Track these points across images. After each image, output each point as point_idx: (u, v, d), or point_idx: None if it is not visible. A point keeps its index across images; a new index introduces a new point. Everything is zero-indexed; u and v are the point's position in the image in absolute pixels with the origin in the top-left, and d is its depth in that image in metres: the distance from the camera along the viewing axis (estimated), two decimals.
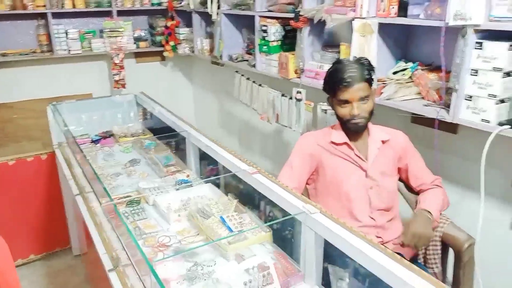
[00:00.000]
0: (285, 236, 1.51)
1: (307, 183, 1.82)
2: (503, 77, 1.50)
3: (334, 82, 1.63)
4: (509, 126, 1.52)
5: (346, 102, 1.62)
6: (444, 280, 1.72)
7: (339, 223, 1.21)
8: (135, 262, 1.34)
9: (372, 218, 1.68)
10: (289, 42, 2.61)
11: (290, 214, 1.33)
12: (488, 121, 1.57)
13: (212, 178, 1.98)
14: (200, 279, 1.37)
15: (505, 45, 1.47)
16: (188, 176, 2.09)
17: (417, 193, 1.79)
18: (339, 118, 1.69)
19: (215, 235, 1.52)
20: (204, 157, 2.11)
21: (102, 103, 3.06)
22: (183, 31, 3.76)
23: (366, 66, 1.63)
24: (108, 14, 3.71)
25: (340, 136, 1.72)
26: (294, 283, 1.34)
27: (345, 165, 1.71)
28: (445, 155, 2.04)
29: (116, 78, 3.78)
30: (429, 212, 1.60)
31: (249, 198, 1.75)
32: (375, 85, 1.77)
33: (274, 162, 3.40)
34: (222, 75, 3.78)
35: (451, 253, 1.67)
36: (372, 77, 1.65)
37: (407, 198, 1.84)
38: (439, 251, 1.68)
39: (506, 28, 1.45)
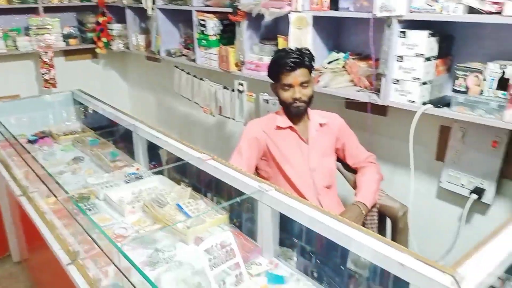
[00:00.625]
0: (241, 216, 1.59)
1: (258, 169, 1.92)
2: (424, 62, 1.70)
3: (279, 67, 1.75)
4: (431, 105, 1.73)
5: (289, 86, 1.75)
6: None
7: (293, 197, 1.32)
8: (98, 253, 1.35)
9: (318, 199, 1.81)
10: (228, 35, 2.69)
11: (246, 194, 1.42)
12: (413, 102, 1.77)
13: (163, 168, 2.00)
14: (162, 263, 1.41)
15: (424, 33, 1.67)
16: (138, 169, 2.09)
17: (354, 170, 1.95)
18: (282, 102, 1.81)
19: (173, 222, 1.56)
20: (153, 149, 2.12)
21: (34, 103, 2.91)
22: (116, 27, 3.68)
23: (307, 55, 1.78)
24: (33, 11, 3.52)
25: (284, 120, 1.84)
26: (253, 257, 1.43)
27: (290, 148, 1.83)
28: (377, 136, 2.24)
29: (46, 77, 3.60)
30: (364, 204, 1.73)
31: (202, 185, 1.81)
32: (313, 74, 1.91)
33: (218, 155, 3.46)
34: (159, 71, 3.77)
35: (388, 223, 1.87)
36: (313, 65, 1.79)
37: (346, 176, 2.00)
38: (376, 221, 1.85)
39: (425, 18, 1.65)
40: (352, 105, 2.20)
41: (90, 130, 2.68)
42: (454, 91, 1.63)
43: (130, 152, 2.26)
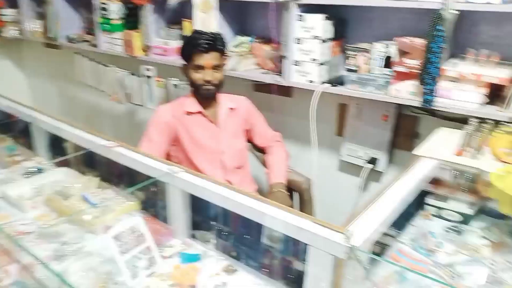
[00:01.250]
0: (153, 201, 1.59)
1: (169, 155, 1.91)
2: (321, 44, 1.82)
3: (192, 47, 1.76)
4: (329, 85, 1.86)
5: (201, 68, 1.76)
6: None
7: (202, 177, 1.35)
8: None
9: (228, 180, 1.86)
10: (132, 20, 2.60)
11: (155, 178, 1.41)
12: (313, 82, 1.89)
13: (64, 158, 1.90)
14: (70, 256, 1.36)
15: (320, 16, 1.78)
16: (39, 163, 1.97)
17: (262, 150, 2.04)
18: (192, 84, 1.82)
19: (79, 213, 1.51)
20: (56, 142, 2.00)
21: None
22: (8, 12, 3.36)
23: (220, 39, 1.80)
24: None
25: (193, 105, 1.85)
26: (166, 240, 1.44)
27: (200, 133, 1.85)
28: (284, 116, 2.35)
29: None
30: (281, 183, 1.83)
31: (112, 174, 1.76)
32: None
33: (132, 143, 3.35)
34: (60, 58, 3.53)
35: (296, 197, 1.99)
36: (225, 50, 1.83)
37: (257, 155, 2.08)
38: None
39: (320, 2, 1.76)
40: (260, 87, 2.28)
41: None
42: (347, 70, 1.77)
43: (30, 146, 2.11)
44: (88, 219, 1.49)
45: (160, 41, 2.42)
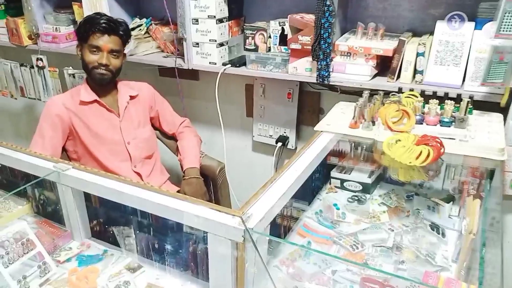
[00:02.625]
0: (44, 202, 1.46)
1: (67, 151, 1.77)
2: (217, 24, 1.77)
3: (91, 25, 1.63)
4: (229, 65, 1.83)
5: (97, 49, 1.64)
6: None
7: (93, 172, 1.25)
8: None
9: (136, 172, 1.77)
10: (15, 5, 2.35)
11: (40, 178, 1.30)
12: (214, 63, 1.84)
13: None
14: None
15: None
16: None
17: (172, 137, 1.97)
18: (85, 68, 1.69)
19: None
20: None
21: None
22: None
23: (123, 26, 1.69)
24: None
25: (88, 94, 1.72)
26: (63, 243, 1.34)
27: (99, 124, 1.73)
28: (193, 100, 2.29)
29: None
30: (195, 168, 1.78)
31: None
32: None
33: None
34: None
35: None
36: (127, 39, 1.72)
37: (167, 143, 2.00)
38: None
39: None
40: (165, 72, 2.18)
41: None
42: (246, 49, 1.75)
43: None
44: None
45: (49, 27, 2.22)
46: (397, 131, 1.36)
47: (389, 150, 1.26)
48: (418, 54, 1.52)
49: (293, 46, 1.62)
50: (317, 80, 1.62)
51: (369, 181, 1.48)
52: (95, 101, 1.73)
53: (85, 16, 1.72)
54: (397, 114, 1.39)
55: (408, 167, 1.23)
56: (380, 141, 1.36)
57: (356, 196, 1.48)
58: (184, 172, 1.79)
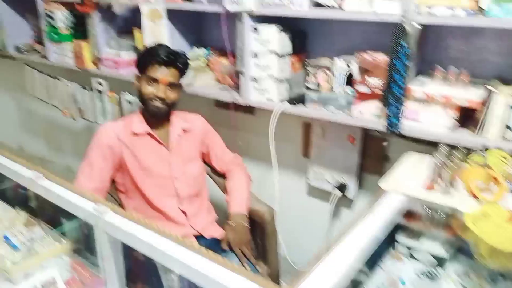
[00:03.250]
0: (84, 244, 1.39)
1: (115, 182, 1.71)
2: (279, 59, 1.64)
3: (150, 56, 1.59)
4: (288, 103, 1.69)
5: (155, 81, 1.59)
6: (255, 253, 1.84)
7: (133, 220, 1.15)
8: None
9: (182, 210, 1.67)
10: (83, 29, 2.39)
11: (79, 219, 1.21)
12: (272, 100, 1.71)
13: None
14: None
15: (274, 28, 1.60)
16: None
17: (222, 175, 1.86)
18: (141, 99, 1.63)
19: None
20: None
21: None
22: None
23: (183, 58, 1.64)
24: None
25: (142, 125, 1.66)
26: None
27: (148, 157, 1.65)
28: (246, 134, 2.17)
29: None
30: (243, 214, 1.64)
31: (41, 209, 1.55)
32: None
33: None
34: (14, 69, 3.28)
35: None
36: (185, 71, 1.66)
37: (216, 181, 1.89)
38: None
39: (273, 13, 1.58)
40: (222, 103, 2.09)
41: None
42: (307, 88, 1.60)
43: None
44: (6, 266, 1.28)
45: (111, 52, 2.22)
46: (484, 200, 1.13)
47: (474, 226, 1.04)
48: (509, 107, 1.29)
49: (360, 88, 1.45)
50: (387, 130, 1.43)
51: (445, 255, 1.25)
52: (147, 133, 1.66)
53: (145, 43, 1.67)
54: (484, 179, 1.17)
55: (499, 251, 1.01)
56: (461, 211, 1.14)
57: (428, 271, 1.25)
58: (229, 216, 1.66)
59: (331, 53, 1.68)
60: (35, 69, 2.64)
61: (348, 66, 1.51)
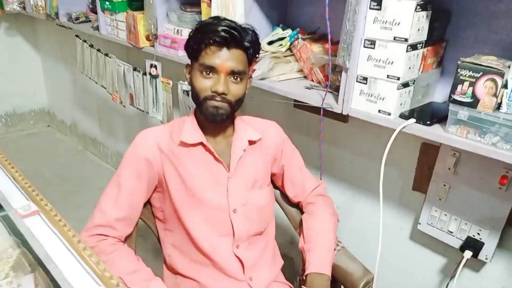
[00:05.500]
0: None
1: (152, 205, 1.25)
2: (408, 51, 1.06)
3: (203, 35, 1.06)
4: (414, 120, 1.11)
5: (212, 71, 1.07)
6: None
7: None
8: None
9: (237, 256, 1.18)
10: None
11: None
12: (388, 113, 1.14)
13: None
14: None
15: (411, 3, 1.02)
16: None
17: (297, 204, 1.34)
18: (195, 96, 1.13)
19: None
20: None
21: None
22: None
23: (250, 34, 1.10)
24: None
25: (194, 133, 1.17)
26: None
27: (198, 177, 1.17)
28: (333, 147, 1.62)
29: None
30: (325, 275, 1.13)
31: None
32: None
33: None
34: (70, 40, 2.96)
35: None
36: (255, 54, 1.13)
37: (286, 211, 1.38)
38: None
39: None
40: (304, 104, 1.55)
41: None
42: (454, 101, 1.01)
43: None
44: None
45: (170, 28, 1.75)
46: None
47: None
48: None
49: None
50: None
51: None
52: (200, 143, 1.17)
53: (203, 20, 1.16)
54: None
55: None
56: None
57: None
58: (305, 276, 1.14)
59: (487, 46, 1.08)
60: (86, 42, 2.26)
61: None
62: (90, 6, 2.33)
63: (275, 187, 1.36)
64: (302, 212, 1.31)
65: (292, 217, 1.36)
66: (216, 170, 1.18)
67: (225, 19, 1.10)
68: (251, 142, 1.22)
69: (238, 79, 1.09)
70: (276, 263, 1.30)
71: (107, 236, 1.12)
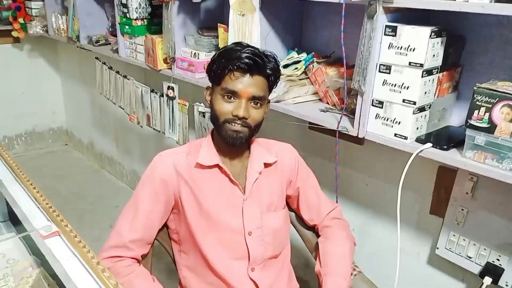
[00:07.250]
0: None
1: (168, 227, 1.26)
2: (424, 77, 1.07)
3: (226, 61, 1.09)
4: (430, 145, 1.11)
5: (233, 95, 1.10)
6: None
7: None
8: None
9: (252, 280, 1.18)
10: (158, 21, 2.00)
11: None
12: (404, 137, 1.14)
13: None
14: None
15: (426, 30, 1.03)
16: None
17: (312, 227, 1.34)
18: (214, 118, 1.15)
19: None
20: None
21: None
22: (35, 5, 2.93)
23: (272, 61, 1.13)
24: None
25: (210, 156, 1.18)
26: None
27: (214, 200, 1.18)
28: (349, 169, 1.62)
29: None
30: None
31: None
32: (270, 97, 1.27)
33: None
34: (90, 62, 3.04)
35: None
36: (275, 81, 1.16)
37: (302, 234, 1.37)
38: None
39: (429, 6, 1.00)
40: (318, 126, 1.56)
41: None
42: (471, 127, 1.01)
43: None
44: None
45: (187, 52, 1.79)
46: None
47: None
48: None
49: None
50: None
51: None
52: (217, 166, 1.18)
53: (227, 45, 1.19)
54: None
55: None
56: None
57: None
58: None
59: (502, 71, 1.08)
60: (105, 64, 2.32)
61: None
62: (110, 30, 2.41)
63: (291, 209, 1.36)
64: (317, 235, 1.31)
65: (308, 240, 1.35)
66: (231, 192, 1.19)
67: (248, 45, 1.13)
68: (266, 165, 1.23)
69: (259, 104, 1.12)
70: (292, 286, 1.29)
71: (123, 257, 1.13)
